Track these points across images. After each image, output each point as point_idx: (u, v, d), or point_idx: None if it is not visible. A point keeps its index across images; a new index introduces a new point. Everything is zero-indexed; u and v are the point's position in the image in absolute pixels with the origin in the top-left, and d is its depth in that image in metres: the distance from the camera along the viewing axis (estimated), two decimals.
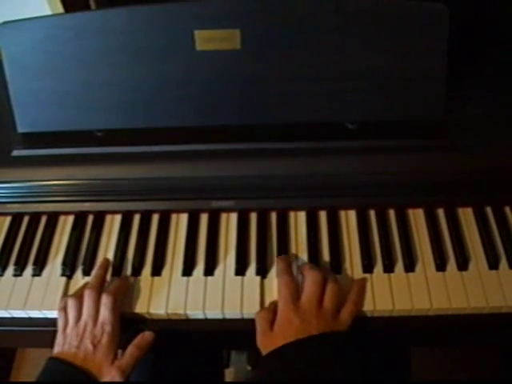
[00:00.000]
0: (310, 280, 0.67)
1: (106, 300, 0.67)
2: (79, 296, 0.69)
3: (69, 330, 0.68)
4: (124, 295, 0.71)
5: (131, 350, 0.67)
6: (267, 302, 0.70)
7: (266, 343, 0.65)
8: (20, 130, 0.80)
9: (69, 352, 0.66)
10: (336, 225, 0.76)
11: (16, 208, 0.79)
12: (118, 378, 0.65)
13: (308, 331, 0.63)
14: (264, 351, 0.65)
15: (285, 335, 0.63)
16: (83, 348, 0.65)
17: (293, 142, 0.76)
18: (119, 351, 0.68)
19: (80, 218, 0.80)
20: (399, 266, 0.72)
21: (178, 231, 0.78)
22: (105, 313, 0.67)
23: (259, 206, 0.78)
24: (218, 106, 0.76)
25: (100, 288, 0.70)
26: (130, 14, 0.72)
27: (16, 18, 0.74)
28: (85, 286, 0.71)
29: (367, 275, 0.72)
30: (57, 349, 0.67)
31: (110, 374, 0.65)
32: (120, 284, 0.71)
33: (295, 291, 0.67)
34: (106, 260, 0.75)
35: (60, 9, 0.92)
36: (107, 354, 0.65)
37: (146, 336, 0.68)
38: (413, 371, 0.87)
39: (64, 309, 0.69)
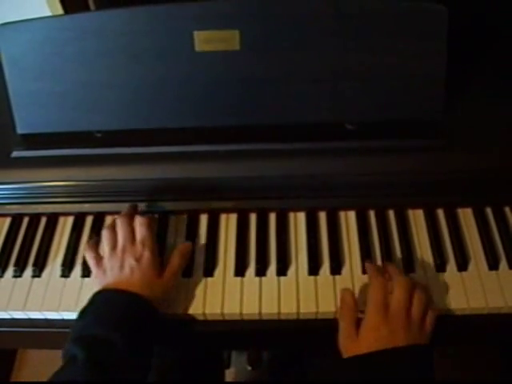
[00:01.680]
0: (399, 286, 0.64)
1: (141, 220, 0.69)
2: (112, 226, 0.70)
3: (106, 258, 0.68)
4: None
5: (175, 257, 0.70)
6: (266, 302, 0.70)
7: (350, 347, 0.63)
8: (19, 131, 0.80)
9: (113, 277, 0.66)
10: (336, 226, 0.76)
11: (16, 209, 0.80)
12: (172, 281, 0.68)
13: (394, 342, 0.61)
14: (346, 354, 0.63)
15: (370, 343, 0.61)
16: (128, 266, 0.66)
17: (292, 142, 0.76)
18: None
19: (79, 219, 0.80)
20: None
21: (177, 232, 0.78)
22: (142, 230, 0.68)
23: (259, 207, 0.78)
24: (217, 106, 0.76)
25: (131, 216, 0.71)
26: (129, 15, 0.72)
27: (15, 19, 0.74)
28: (114, 218, 0.72)
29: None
30: (98, 282, 0.68)
31: (164, 279, 0.67)
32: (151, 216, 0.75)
33: (387, 297, 0.64)
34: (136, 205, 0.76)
35: (59, 10, 0.92)
36: (153, 264, 0.67)
37: (187, 244, 0.72)
38: None
39: (93, 247, 0.70)
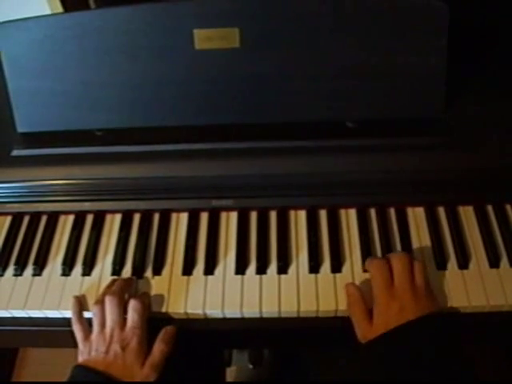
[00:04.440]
0: (397, 262, 0.66)
1: (135, 305, 0.67)
2: (101, 302, 0.69)
3: (94, 336, 0.67)
4: (149, 301, 0.71)
5: (158, 346, 0.67)
6: (267, 300, 0.70)
7: (368, 335, 0.64)
8: (20, 129, 0.80)
9: (97, 358, 0.65)
10: (336, 223, 0.76)
11: (16, 208, 0.80)
12: (152, 376, 0.65)
13: (408, 315, 0.62)
14: (365, 341, 0.64)
15: (386, 323, 0.62)
16: (112, 352, 0.65)
17: (293, 140, 0.76)
18: None
19: (80, 218, 0.80)
20: None
21: (178, 230, 0.78)
22: (134, 317, 0.67)
23: (259, 205, 0.78)
24: (217, 104, 0.76)
25: (121, 294, 0.69)
26: (129, 14, 0.72)
27: (15, 17, 0.74)
28: (104, 293, 0.70)
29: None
30: (82, 357, 0.67)
31: (143, 373, 0.65)
32: (145, 293, 0.72)
33: (388, 275, 0.66)
34: (131, 279, 0.74)
35: (59, 8, 0.92)
36: (138, 356, 0.65)
37: (170, 330, 0.69)
38: None
39: (79, 320, 0.69)
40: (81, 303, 0.71)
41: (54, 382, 0.65)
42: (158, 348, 0.67)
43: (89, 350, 0.66)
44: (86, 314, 0.70)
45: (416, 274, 0.66)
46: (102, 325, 0.67)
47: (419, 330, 0.62)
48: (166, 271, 0.74)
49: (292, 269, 0.73)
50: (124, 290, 0.70)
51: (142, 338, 0.66)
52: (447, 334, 0.63)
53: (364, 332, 0.65)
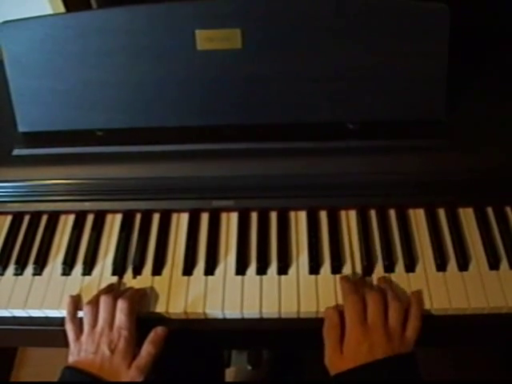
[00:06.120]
0: (370, 301, 0.66)
1: (122, 305, 0.67)
2: (95, 302, 0.69)
3: (84, 337, 0.67)
4: (139, 302, 0.71)
5: (146, 347, 0.67)
6: (267, 301, 0.70)
7: (337, 364, 0.64)
8: (21, 129, 0.80)
9: (85, 360, 0.65)
10: (336, 225, 0.76)
11: (17, 207, 0.79)
12: (137, 378, 0.65)
13: (377, 354, 0.62)
14: (333, 371, 0.64)
15: (354, 358, 0.63)
16: (100, 354, 0.65)
17: (293, 141, 0.76)
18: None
19: (80, 218, 0.80)
20: (399, 266, 0.72)
21: (178, 231, 0.78)
22: (121, 317, 0.67)
23: (260, 206, 0.78)
24: (218, 105, 0.76)
25: (117, 296, 0.69)
26: (131, 14, 0.72)
27: (17, 17, 0.74)
28: (99, 293, 0.71)
29: (367, 276, 0.72)
30: (72, 358, 0.67)
31: (129, 375, 0.64)
32: (136, 291, 0.72)
33: (362, 311, 0.66)
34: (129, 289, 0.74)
35: (61, 8, 0.92)
36: (124, 358, 0.65)
37: (159, 331, 0.68)
38: None
39: (72, 320, 0.69)
40: (76, 303, 0.71)
41: (50, 383, 0.65)
42: (146, 350, 0.66)
43: (78, 351, 0.67)
44: (81, 314, 0.70)
45: (390, 313, 0.65)
46: (93, 325, 0.67)
47: (384, 369, 0.62)
48: (166, 271, 0.74)
49: (292, 270, 0.73)
50: (118, 294, 0.70)
51: (130, 339, 0.66)
52: (411, 375, 0.63)
53: (333, 358, 0.65)
